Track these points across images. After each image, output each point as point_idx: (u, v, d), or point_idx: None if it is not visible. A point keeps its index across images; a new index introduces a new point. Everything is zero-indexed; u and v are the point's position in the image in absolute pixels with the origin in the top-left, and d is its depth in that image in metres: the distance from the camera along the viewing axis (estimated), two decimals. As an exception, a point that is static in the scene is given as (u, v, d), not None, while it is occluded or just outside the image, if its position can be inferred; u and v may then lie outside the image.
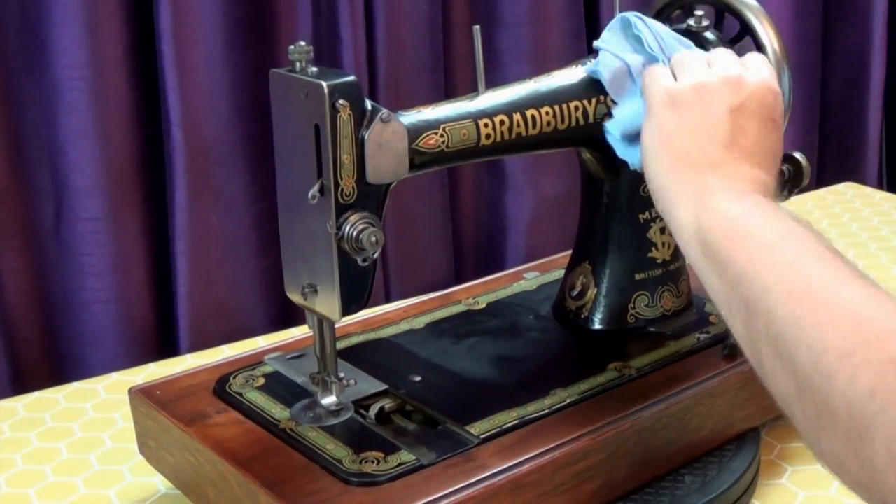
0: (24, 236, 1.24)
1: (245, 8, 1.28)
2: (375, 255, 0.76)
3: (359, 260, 0.76)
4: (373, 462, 0.75)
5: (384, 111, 0.75)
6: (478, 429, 0.79)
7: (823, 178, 1.77)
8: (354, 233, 0.74)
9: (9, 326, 1.23)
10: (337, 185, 0.74)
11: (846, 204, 1.57)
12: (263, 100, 1.31)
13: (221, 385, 0.87)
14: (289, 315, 1.36)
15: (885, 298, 0.57)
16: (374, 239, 0.75)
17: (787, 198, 0.94)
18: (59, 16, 1.17)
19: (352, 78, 0.73)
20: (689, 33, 0.93)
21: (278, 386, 0.86)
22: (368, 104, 0.75)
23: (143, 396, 0.86)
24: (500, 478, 0.74)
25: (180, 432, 0.82)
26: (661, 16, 0.98)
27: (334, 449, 0.77)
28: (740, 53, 0.93)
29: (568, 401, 0.83)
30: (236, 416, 0.83)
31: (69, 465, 0.97)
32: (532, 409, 0.82)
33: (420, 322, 0.97)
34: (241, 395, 0.85)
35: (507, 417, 0.81)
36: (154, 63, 1.23)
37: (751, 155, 0.73)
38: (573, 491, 0.78)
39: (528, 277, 1.06)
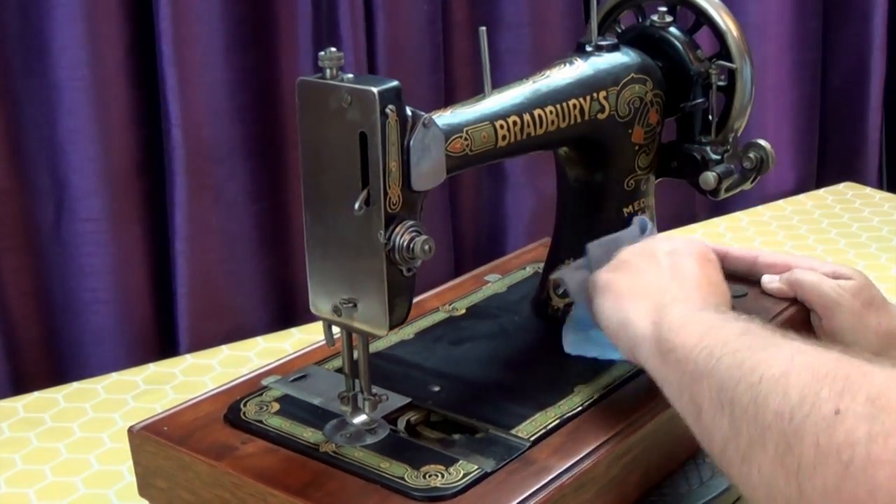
0: (24, 236, 1.24)
1: (245, 8, 1.27)
2: (419, 264, 0.74)
3: (404, 270, 0.74)
4: (437, 476, 0.73)
5: (426, 116, 0.73)
6: (524, 432, 0.78)
7: (823, 178, 1.77)
8: (405, 242, 0.72)
9: (9, 326, 1.23)
10: (385, 193, 0.71)
11: (846, 204, 1.57)
12: (264, 100, 1.32)
13: (235, 413, 0.83)
14: (289, 315, 1.36)
15: (822, 351, 0.61)
16: (427, 247, 0.73)
17: (753, 184, 0.95)
18: (59, 16, 1.17)
19: (396, 83, 0.71)
20: (653, 28, 0.94)
21: (296, 409, 0.83)
22: (408, 110, 0.73)
23: (150, 434, 0.81)
24: (566, 477, 0.73)
25: (209, 468, 0.77)
26: (611, 16, 0.98)
27: (390, 467, 0.75)
28: (701, 42, 0.94)
29: (596, 395, 0.83)
30: (266, 445, 0.79)
31: (69, 465, 0.97)
32: (565, 407, 0.81)
33: (409, 332, 0.95)
34: (261, 422, 0.81)
35: (547, 418, 0.80)
36: (154, 63, 1.23)
37: (696, 286, 0.78)
38: (622, 484, 0.78)
39: (492, 280, 1.05)
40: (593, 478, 0.75)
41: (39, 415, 1.05)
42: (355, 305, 0.75)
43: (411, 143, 0.72)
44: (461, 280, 1.06)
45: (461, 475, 0.74)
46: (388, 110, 0.70)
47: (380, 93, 0.70)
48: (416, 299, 1.01)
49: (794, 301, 0.97)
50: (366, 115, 0.70)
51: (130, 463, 0.89)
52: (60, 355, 1.28)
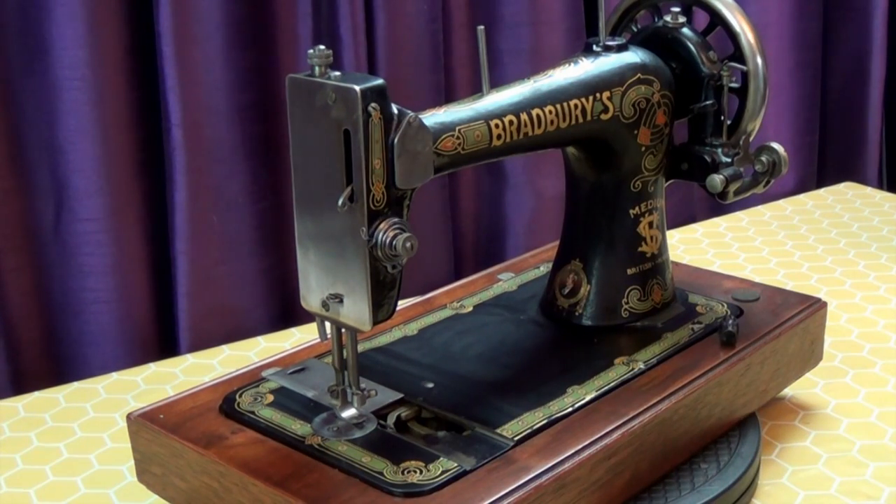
0: (24, 236, 1.24)
1: (245, 8, 1.27)
2: (404, 262, 0.75)
3: (388, 267, 0.75)
4: (415, 472, 0.74)
5: (411, 114, 0.74)
6: (509, 431, 0.79)
7: (823, 178, 1.77)
8: (387, 239, 0.73)
9: (9, 326, 1.23)
10: (368, 191, 0.72)
11: (846, 204, 1.57)
12: (264, 100, 1.32)
13: (229, 404, 0.84)
14: (289, 315, 1.36)
15: None
16: (409, 245, 0.74)
17: (766, 188, 0.95)
18: (59, 16, 1.17)
19: (381, 81, 0.72)
20: (665, 29, 0.94)
21: (290, 401, 0.84)
22: (394, 107, 0.73)
23: (146, 421, 0.83)
24: (545, 478, 0.74)
25: (198, 456, 0.79)
26: (628, 16, 0.98)
27: (371, 461, 0.76)
28: (714, 45, 0.94)
29: (588, 398, 0.83)
30: (254, 436, 0.80)
31: (69, 465, 0.97)
32: (555, 407, 0.82)
33: (412, 328, 0.96)
34: (253, 413, 0.83)
35: (535, 418, 0.80)
36: (154, 63, 1.23)
37: None
38: (607, 486, 0.78)
39: (504, 278, 1.05)
40: (575, 479, 0.76)
41: (40, 415, 1.05)
42: (341, 301, 0.76)
43: (395, 141, 0.73)
44: (474, 278, 1.07)
45: (440, 472, 0.74)
46: (371, 108, 0.71)
47: (362, 91, 0.71)
48: (425, 296, 1.02)
49: (807, 307, 0.96)
50: (349, 113, 0.71)
51: (131, 463, 0.89)
52: (60, 355, 1.28)
